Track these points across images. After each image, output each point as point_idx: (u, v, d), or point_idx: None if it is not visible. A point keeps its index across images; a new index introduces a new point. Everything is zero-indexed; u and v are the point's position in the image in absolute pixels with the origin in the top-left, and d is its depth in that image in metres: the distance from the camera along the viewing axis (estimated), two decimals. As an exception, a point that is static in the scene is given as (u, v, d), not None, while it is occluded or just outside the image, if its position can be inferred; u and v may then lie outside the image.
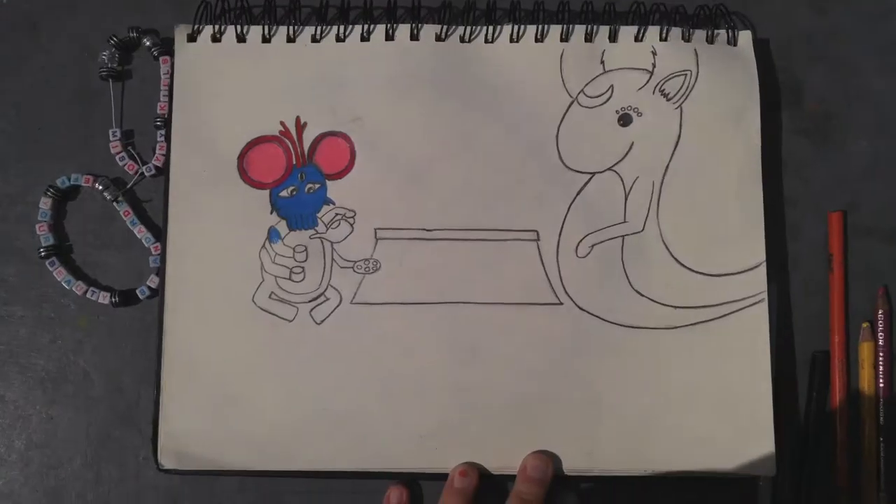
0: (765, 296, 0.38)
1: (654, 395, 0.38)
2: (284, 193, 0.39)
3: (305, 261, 0.38)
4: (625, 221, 0.39)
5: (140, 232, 0.39)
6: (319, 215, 0.39)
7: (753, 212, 0.39)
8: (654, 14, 0.40)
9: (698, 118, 0.39)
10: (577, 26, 0.40)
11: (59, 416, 0.39)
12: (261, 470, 0.37)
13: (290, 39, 0.39)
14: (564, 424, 0.37)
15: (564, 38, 0.40)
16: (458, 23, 0.40)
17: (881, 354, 0.39)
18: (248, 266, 0.38)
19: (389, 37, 0.39)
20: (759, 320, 0.38)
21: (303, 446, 0.37)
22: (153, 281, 0.39)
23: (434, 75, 0.39)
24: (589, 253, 0.39)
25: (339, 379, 0.38)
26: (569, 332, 0.38)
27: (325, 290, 0.38)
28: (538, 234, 0.39)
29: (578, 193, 0.39)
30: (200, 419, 0.37)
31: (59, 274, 0.39)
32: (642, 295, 0.38)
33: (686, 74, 0.39)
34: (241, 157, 0.39)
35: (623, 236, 0.39)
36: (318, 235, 0.38)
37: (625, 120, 0.39)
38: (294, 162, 0.39)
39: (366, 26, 0.39)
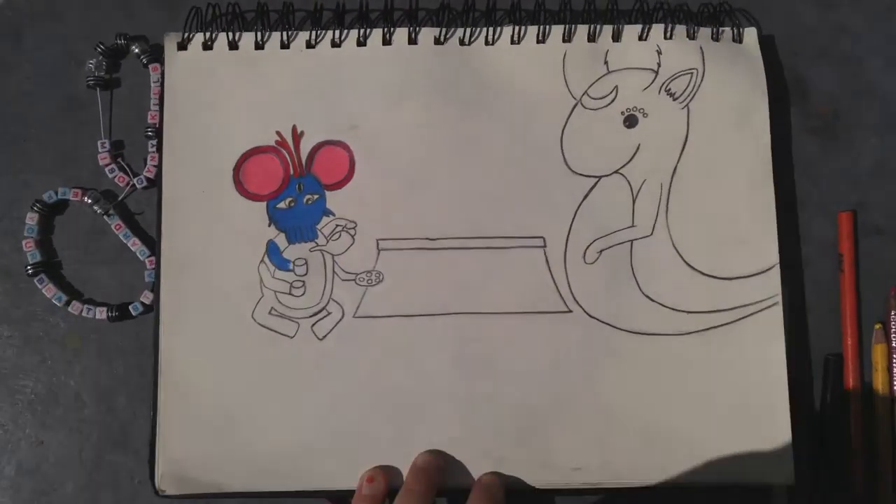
0: (779, 299, 0.37)
1: (668, 403, 0.37)
2: (282, 205, 0.37)
3: (306, 274, 0.37)
4: (633, 225, 0.38)
5: (134, 245, 0.38)
6: (319, 227, 0.37)
7: (765, 212, 0.38)
8: (657, 12, 0.39)
9: (706, 117, 0.38)
10: (579, 26, 0.39)
11: (49, 440, 0.38)
12: (263, 491, 0.36)
13: (284, 45, 0.38)
14: (576, 436, 0.36)
15: (567, 38, 0.39)
16: (457, 25, 0.38)
17: (895, 356, 0.38)
18: (247, 281, 0.37)
19: (387, 41, 0.38)
20: (773, 324, 0.37)
21: (306, 466, 0.36)
22: (147, 297, 0.38)
23: (434, 79, 0.38)
24: (597, 259, 0.38)
25: (343, 395, 0.36)
26: (579, 340, 0.37)
27: (326, 305, 0.37)
28: (544, 241, 0.37)
29: (585, 198, 0.38)
30: (199, 441, 0.36)
31: (49, 291, 0.38)
32: (653, 300, 0.37)
33: (692, 73, 0.38)
34: (237, 168, 0.37)
35: (632, 241, 0.38)
36: (318, 248, 0.37)
37: (630, 121, 0.38)
38: (291, 172, 0.38)
39: (362, 31, 0.38)
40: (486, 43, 0.39)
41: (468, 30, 0.38)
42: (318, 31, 0.38)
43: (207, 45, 0.38)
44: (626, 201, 0.38)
